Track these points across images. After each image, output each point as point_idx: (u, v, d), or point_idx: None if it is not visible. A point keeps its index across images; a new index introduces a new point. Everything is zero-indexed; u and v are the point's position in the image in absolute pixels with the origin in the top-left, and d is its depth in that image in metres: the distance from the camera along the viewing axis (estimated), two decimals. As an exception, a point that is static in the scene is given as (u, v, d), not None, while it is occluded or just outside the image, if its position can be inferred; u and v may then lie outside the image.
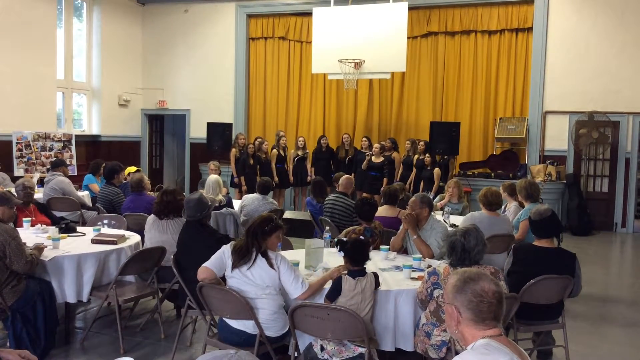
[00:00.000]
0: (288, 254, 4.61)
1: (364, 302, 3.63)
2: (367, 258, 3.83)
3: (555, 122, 11.45)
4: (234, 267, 3.72)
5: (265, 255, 3.74)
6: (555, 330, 4.57)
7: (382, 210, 6.02)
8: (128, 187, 7.33)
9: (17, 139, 10.38)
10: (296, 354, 3.65)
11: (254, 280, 3.71)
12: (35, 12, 11.12)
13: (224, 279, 3.87)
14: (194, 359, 4.46)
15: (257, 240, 3.75)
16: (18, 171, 10.15)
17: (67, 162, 10.18)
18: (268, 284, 3.72)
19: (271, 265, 3.73)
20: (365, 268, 3.78)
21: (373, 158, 10.64)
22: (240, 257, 3.71)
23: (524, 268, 4.27)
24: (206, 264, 3.79)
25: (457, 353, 3.21)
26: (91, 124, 13.28)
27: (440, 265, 3.76)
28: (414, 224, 4.92)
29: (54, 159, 10.19)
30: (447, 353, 3.54)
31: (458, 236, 3.67)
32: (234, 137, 11.92)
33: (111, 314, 5.07)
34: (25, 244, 4.40)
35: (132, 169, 8.96)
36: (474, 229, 3.73)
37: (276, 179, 11.04)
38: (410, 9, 10.82)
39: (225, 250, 3.82)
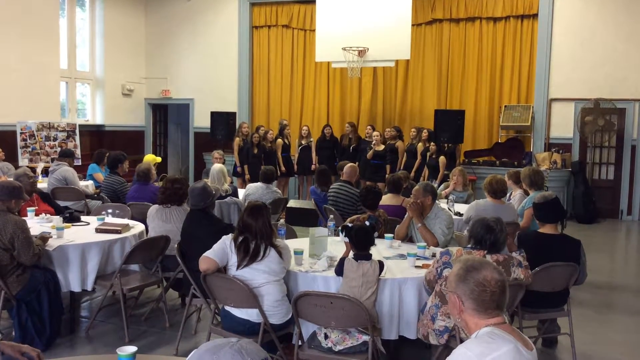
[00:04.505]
0: (292, 243, 4.61)
1: (365, 287, 3.63)
2: (371, 244, 3.84)
3: (561, 110, 11.38)
4: (244, 266, 3.72)
5: (274, 246, 3.78)
6: (560, 317, 4.56)
7: (386, 199, 6.01)
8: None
9: (21, 129, 10.38)
10: (300, 343, 3.65)
11: (263, 270, 3.73)
12: (37, 2, 11.08)
13: (225, 268, 3.87)
14: (199, 348, 4.46)
15: (268, 239, 3.77)
16: (22, 161, 10.16)
17: (71, 152, 10.19)
18: (276, 271, 3.76)
19: (280, 254, 3.77)
20: (370, 254, 3.79)
21: (375, 147, 10.61)
22: (254, 259, 3.72)
23: (529, 255, 4.25)
24: (208, 254, 3.78)
25: (462, 341, 3.21)
26: (95, 114, 13.28)
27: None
28: (419, 212, 4.90)
29: (59, 148, 10.21)
30: (449, 340, 3.53)
31: (495, 226, 3.68)
32: (237, 126, 11.91)
33: (116, 303, 5.08)
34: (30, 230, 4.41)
35: (151, 157, 8.88)
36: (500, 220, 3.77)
37: (282, 168, 11.03)
38: (415, -5, 10.76)
39: (227, 241, 3.82)
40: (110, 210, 6.17)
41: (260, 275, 3.72)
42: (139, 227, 5.38)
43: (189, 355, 1.65)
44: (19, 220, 4.32)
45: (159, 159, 8.48)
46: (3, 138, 10.23)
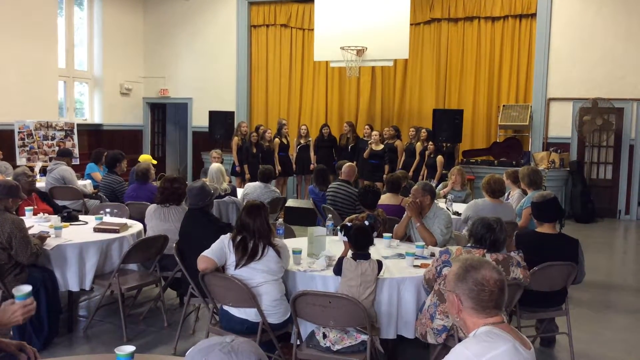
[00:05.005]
0: (291, 242, 4.61)
1: (364, 286, 3.63)
2: (370, 243, 3.84)
3: (559, 109, 11.38)
4: (243, 265, 3.72)
5: (272, 245, 3.78)
6: (558, 317, 4.56)
7: (385, 198, 6.00)
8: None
9: (19, 128, 10.36)
10: (298, 342, 3.65)
11: (261, 269, 3.73)
12: (36, 1, 11.06)
13: (223, 268, 3.87)
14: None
15: (266, 238, 3.77)
16: (20, 160, 10.14)
17: (69, 151, 10.17)
18: (274, 270, 3.76)
19: (278, 253, 3.77)
20: (369, 253, 3.79)
21: (373, 146, 10.62)
22: (252, 258, 3.72)
23: (527, 255, 4.25)
24: (206, 253, 3.78)
25: (460, 340, 3.21)
26: (93, 113, 13.27)
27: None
28: (418, 211, 4.90)
29: (57, 148, 10.19)
30: (448, 339, 3.54)
31: (495, 225, 3.68)
32: (236, 125, 11.90)
33: (114, 302, 5.07)
34: (29, 228, 4.40)
35: (147, 157, 8.86)
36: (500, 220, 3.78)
37: (279, 167, 11.02)
38: (413, -5, 10.76)
39: (226, 240, 3.82)
40: (108, 210, 6.16)
41: (258, 274, 3.72)
42: (137, 226, 5.38)
43: (186, 354, 1.64)
44: (17, 219, 4.31)
45: (154, 162, 8.47)
46: (1, 137, 10.22)
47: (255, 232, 3.75)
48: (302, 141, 11.43)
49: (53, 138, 10.75)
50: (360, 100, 12.95)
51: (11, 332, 4.32)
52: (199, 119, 13.62)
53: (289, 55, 13.45)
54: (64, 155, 8.42)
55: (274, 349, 3.80)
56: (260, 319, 3.68)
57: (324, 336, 3.53)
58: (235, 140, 11.10)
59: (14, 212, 4.50)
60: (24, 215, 5.43)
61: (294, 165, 11.49)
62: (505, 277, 2.52)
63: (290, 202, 9.15)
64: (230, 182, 7.81)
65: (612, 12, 10.87)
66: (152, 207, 5.31)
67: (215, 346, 1.58)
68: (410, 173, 9.97)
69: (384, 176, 10.00)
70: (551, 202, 4.47)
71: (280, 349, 3.83)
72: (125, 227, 5.18)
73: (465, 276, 2.14)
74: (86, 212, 6.81)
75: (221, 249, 3.80)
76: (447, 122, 10.51)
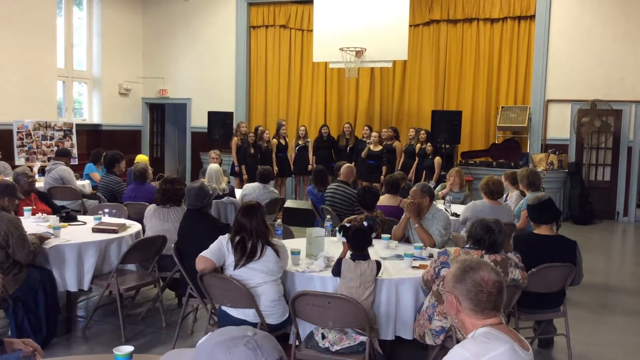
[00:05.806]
0: (289, 243, 4.61)
1: (363, 287, 3.64)
2: (368, 244, 3.85)
3: (558, 111, 11.40)
4: (242, 266, 3.73)
5: (270, 245, 3.79)
6: (556, 318, 4.57)
7: (384, 199, 6.01)
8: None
9: (18, 128, 10.35)
10: (297, 343, 3.65)
11: (260, 270, 3.74)
12: (35, 1, 11.05)
13: (222, 268, 3.88)
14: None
15: (263, 237, 3.78)
16: (19, 160, 10.14)
17: (68, 151, 10.16)
18: (273, 270, 3.77)
19: (277, 253, 3.78)
20: (368, 254, 3.80)
21: (372, 147, 10.63)
22: (251, 258, 3.73)
23: (525, 256, 4.26)
24: (205, 254, 3.78)
25: (458, 341, 3.21)
26: (92, 113, 13.26)
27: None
28: (416, 212, 4.90)
29: (56, 148, 10.19)
30: (445, 340, 3.54)
31: (494, 227, 3.69)
32: (234, 125, 11.90)
33: (112, 302, 5.08)
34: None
35: (143, 157, 8.87)
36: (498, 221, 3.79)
37: (276, 168, 11.03)
38: (412, -4, 10.76)
39: (224, 240, 3.82)
40: (107, 210, 6.17)
41: (257, 275, 3.72)
42: (135, 226, 5.38)
43: (199, 342, 1.51)
44: (13, 218, 4.31)
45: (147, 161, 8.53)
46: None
47: (252, 232, 3.76)
48: (300, 142, 11.43)
49: (52, 138, 10.74)
50: (359, 101, 12.95)
51: (10, 333, 4.34)
52: (198, 120, 13.62)
53: (288, 56, 13.45)
54: (63, 155, 8.43)
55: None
56: (258, 320, 3.68)
57: (323, 337, 3.54)
58: (235, 140, 11.10)
59: (13, 212, 4.50)
60: (22, 215, 5.42)
61: (292, 166, 11.50)
62: (504, 278, 2.53)
63: (288, 203, 9.15)
64: (228, 182, 7.82)
65: (610, 14, 10.88)
66: (151, 207, 5.31)
67: (238, 339, 1.46)
68: (410, 174, 9.98)
69: (382, 177, 10.03)
70: (547, 204, 4.48)
71: (279, 349, 3.83)
72: (123, 227, 5.18)
73: (463, 277, 2.15)
74: (85, 212, 6.80)
75: (220, 249, 3.80)
76: (446, 124, 10.51)
